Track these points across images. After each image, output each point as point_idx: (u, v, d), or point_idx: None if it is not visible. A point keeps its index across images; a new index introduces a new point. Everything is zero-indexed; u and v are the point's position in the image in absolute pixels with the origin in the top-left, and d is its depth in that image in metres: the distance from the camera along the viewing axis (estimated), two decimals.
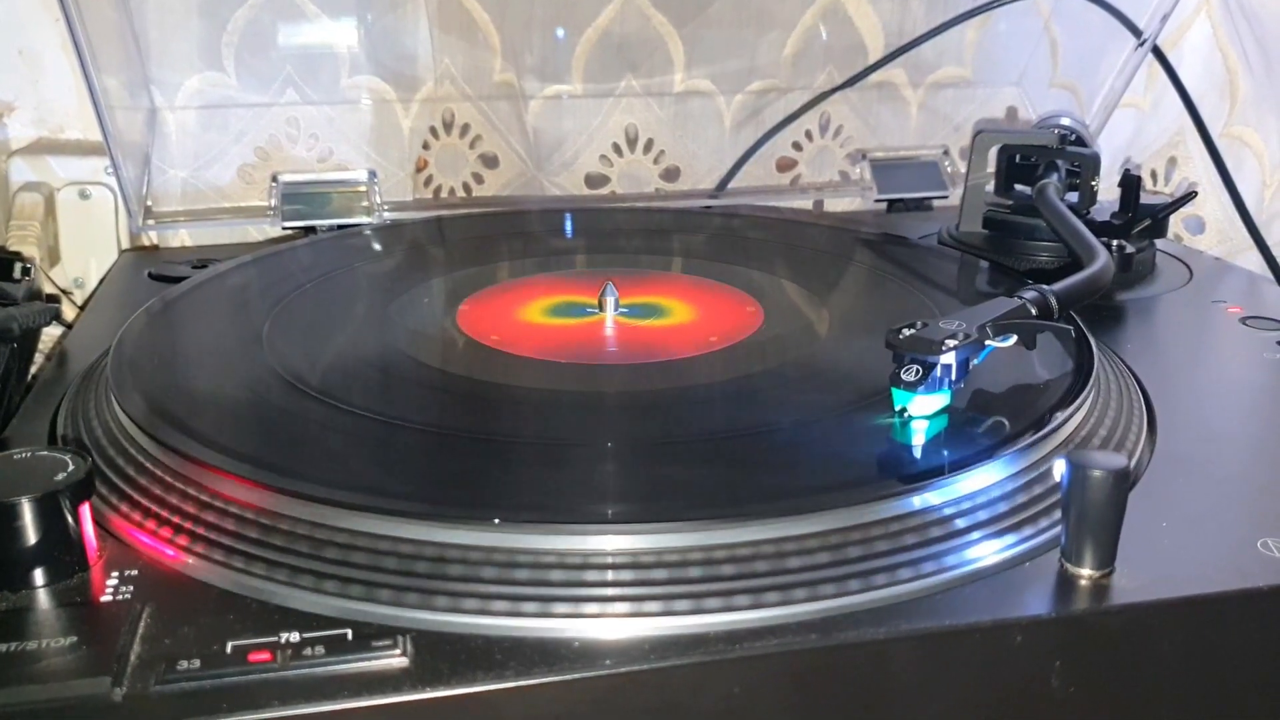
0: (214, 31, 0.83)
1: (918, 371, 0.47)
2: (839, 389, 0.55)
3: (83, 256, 0.83)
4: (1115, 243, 0.73)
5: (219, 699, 0.33)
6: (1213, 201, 0.91)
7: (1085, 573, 0.39)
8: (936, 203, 0.96)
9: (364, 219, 0.84)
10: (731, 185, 0.97)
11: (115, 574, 0.39)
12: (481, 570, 0.37)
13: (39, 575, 0.38)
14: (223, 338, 0.60)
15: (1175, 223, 0.90)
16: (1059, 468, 0.39)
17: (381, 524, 0.39)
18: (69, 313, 0.77)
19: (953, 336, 0.48)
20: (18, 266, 0.67)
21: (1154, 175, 0.97)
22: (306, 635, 0.35)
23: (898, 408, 0.48)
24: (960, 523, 0.41)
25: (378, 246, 0.79)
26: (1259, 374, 0.58)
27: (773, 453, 0.47)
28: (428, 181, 0.92)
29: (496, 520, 0.38)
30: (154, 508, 0.42)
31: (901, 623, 0.37)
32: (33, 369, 0.62)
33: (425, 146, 0.90)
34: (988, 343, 0.49)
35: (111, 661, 0.34)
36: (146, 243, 0.86)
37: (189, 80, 0.84)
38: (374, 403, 0.51)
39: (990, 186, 0.81)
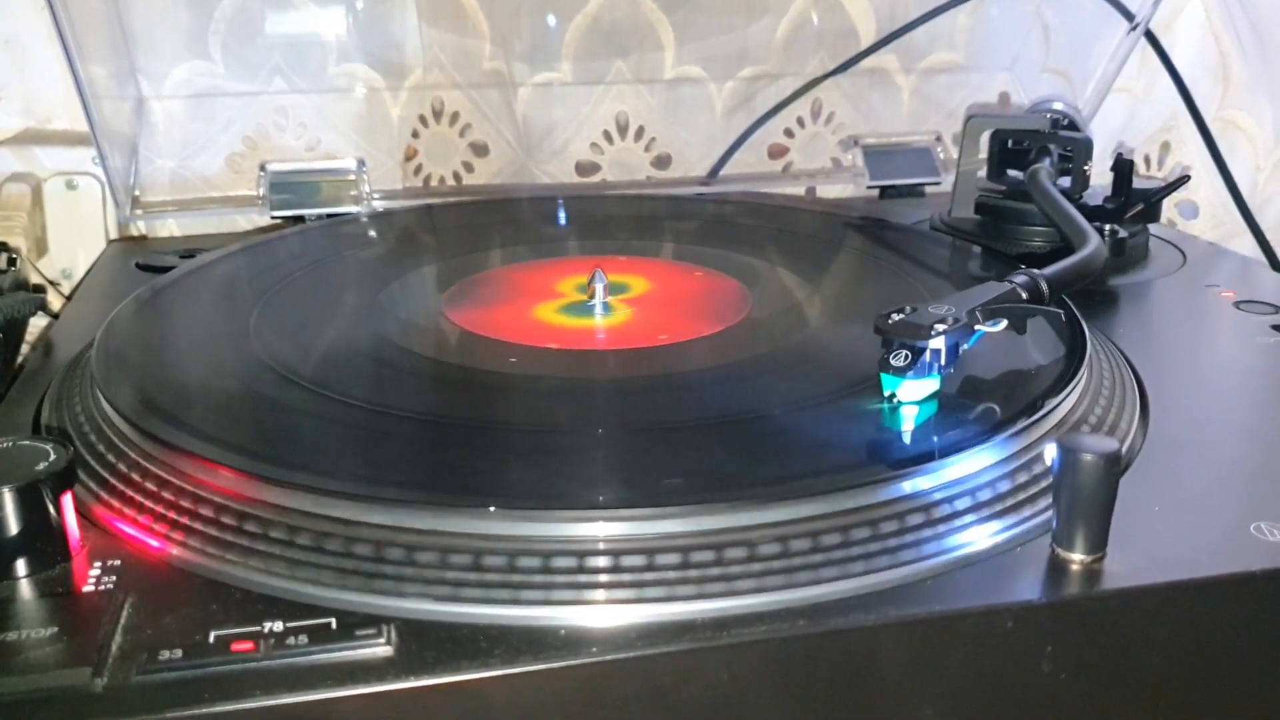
0: (201, 20, 0.82)
1: (907, 356, 0.47)
2: (829, 374, 0.54)
3: (70, 247, 0.83)
4: (1108, 227, 0.73)
5: (201, 689, 0.32)
6: (1206, 186, 0.90)
7: (1077, 557, 0.39)
8: (929, 189, 0.96)
9: (353, 208, 0.84)
10: (723, 172, 0.97)
11: (98, 564, 0.38)
12: (466, 558, 0.37)
13: (20, 565, 0.37)
14: (209, 327, 0.60)
15: (1168, 207, 0.90)
16: (1050, 452, 0.39)
17: (366, 512, 0.39)
18: (56, 303, 0.77)
19: (942, 321, 0.47)
20: (4, 257, 0.66)
21: (1147, 160, 0.97)
22: (290, 624, 0.35)
23: (887, 393, 0.48)
24: (951, 508, 0.41)
25: (367, 235, 0.78)
26: (1252, 358, 0.58)
27: (762, 438, 0.46)
28: (417, 170, 0.91)
29: (491, 509, 0.38)
30: (137, 497, 0.42)
31: (891, 609, 0.37)
32: (19, 359, 0.61)
33: (415, 135, 0.90)
34: (977, 327, 0.49)
35: (93, 652, 0.33)
36: (134, 233, 0.85)
37: (176, 69, 0.83)
38: (360, 390, 0.51)
39: (983, 172, 0.80)
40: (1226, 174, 0.84)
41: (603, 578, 0.37)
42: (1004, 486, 0.43)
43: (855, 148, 0.97)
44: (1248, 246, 0.83)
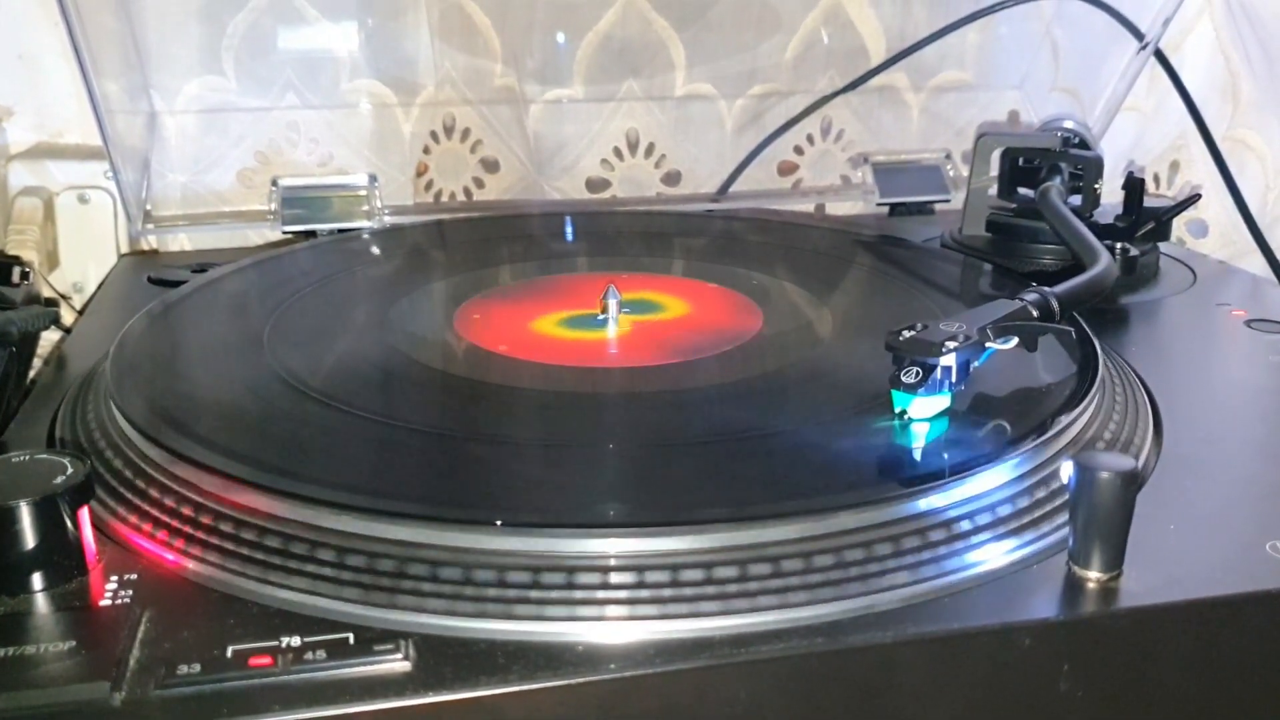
0: (214, 35, 0.83)
1: (918, 374, 0.47)
2: (840, 391, 0.55)
3: (82, 261, 0.83)
4: (1119, 246, 0.73)
5: (219, 703, 0.32)
6: (1216, 205, 0.90)
7: (1093, 575, 0.39)
8: (938, 207, 0.96)
9: (364, 223, 0.84)
10: (733, 189, 0.97)
11: (114, 578, 0.38)
12: (484, 574, 0.37)
13: (37, 579, 0.37)
14: (222, 341, 0.60)
15: (1178, 226, 0.90)
16: (1066, 469, 0.39)
17: (383, 527, 0.39)
18: (68, 317, 0.77)
19: (953, 338, 0.47)
20: (16, 270, 0.66)
21: (1156, 179, 0.97)
22: (307, 639, 0.35)
23: (898, 410, 0.48)
24: (965, 525, 0.41)
25: (378, 250, 0.79)
26: (1264, 377, 0.58)
27: (775, 456, 0.46)
28: (428, 186, 0.91)
29: (499, 522, 0.38)
30: (153, 511, 0.42)
31: (908, 626, 0.36)
32: (31, 373, 0.61)
33: (426, 151, 0.90)
34: (988, 345, 0.49)
35: (111, 666, 0.33)
36: (146, 247, 0.85)
37: (189, 84, 0.84)
38: (374, 405, 0.51)
39: (993, 190, 0.80)
40: (1236, 193, 0.84)
41: (620, 594, 0.37)
42: (1018, 504, 0.42)
43: (865, 165, 0.97)
44: (1257, 265, 0.83)
